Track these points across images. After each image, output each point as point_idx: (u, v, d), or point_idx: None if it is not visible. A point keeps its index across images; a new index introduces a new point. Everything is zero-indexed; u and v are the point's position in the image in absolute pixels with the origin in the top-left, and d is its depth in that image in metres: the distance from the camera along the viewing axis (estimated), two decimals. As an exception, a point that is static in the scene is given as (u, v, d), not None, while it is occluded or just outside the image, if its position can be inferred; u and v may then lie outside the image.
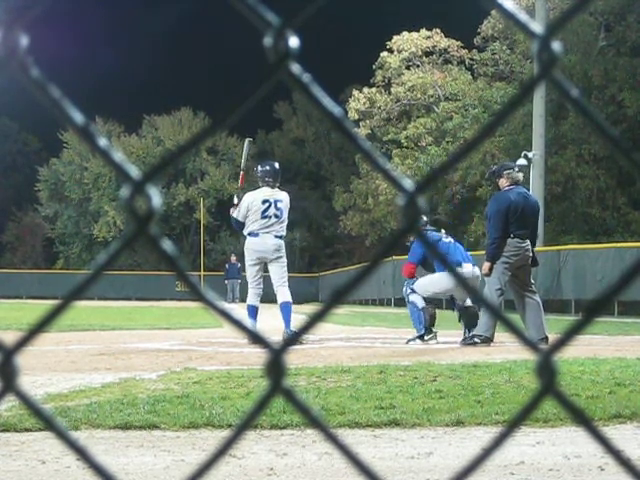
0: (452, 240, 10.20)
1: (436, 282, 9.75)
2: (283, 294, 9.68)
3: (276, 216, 9.74)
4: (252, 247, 9.80)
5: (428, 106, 38.70)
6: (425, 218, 10.36)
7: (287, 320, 9.52)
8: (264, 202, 9.81)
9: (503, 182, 9.39)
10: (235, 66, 70.92)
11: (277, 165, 10.13)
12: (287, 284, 9.76)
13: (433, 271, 9.93)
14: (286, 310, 9.59)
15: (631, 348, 8.98)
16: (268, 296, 10.35)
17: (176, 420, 4.08)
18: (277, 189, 9.90)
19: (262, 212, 9.76)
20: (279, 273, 9.73)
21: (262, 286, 9.87)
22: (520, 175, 9.70)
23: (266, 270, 9.86)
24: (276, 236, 9.74)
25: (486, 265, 9.16)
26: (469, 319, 9.74)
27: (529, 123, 27.65)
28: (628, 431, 4.03)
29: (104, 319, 16.00)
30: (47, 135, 55.08)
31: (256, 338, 0.67)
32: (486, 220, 9.63)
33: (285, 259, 9.83)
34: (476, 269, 9.90)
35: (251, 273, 9.90)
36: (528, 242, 9.33)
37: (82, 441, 0.66)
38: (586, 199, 32.08)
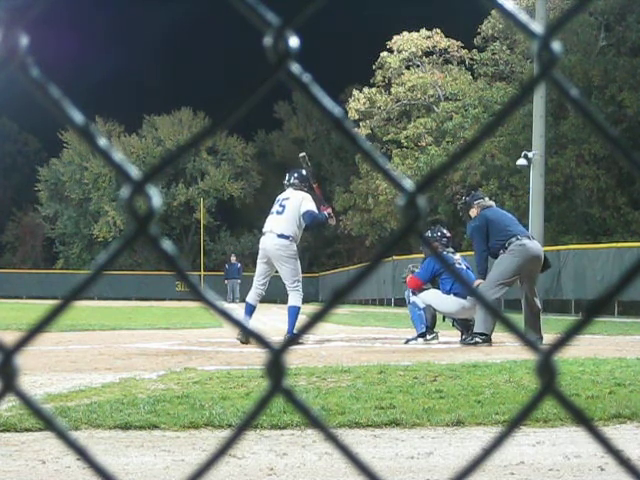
0: (465, 267, 10.13)
1: (440, 302, 9.80)
2: (291, 298, 9.68)
3: (278, 212, 9.75)
4: (260, 245, 9.96)
5: (428, 106, 38.68)
6: (447, 236, 10.45)
7: (290, 324, 9.50)
8: (276, 201, 9.96)
9: (474, 212, 9.68)
10: (235, 66, 70.97)
11: (302, 172, 9.99)
12: (298, 288, 9.65)
13: (437, 287, 9.92)
14: (290, 314, 9.58)
15: (631, 348, 8.99)
16: (270, 297, 10.31)
17: (176, 420, 4.07)
18: (297, 191, 9.82)
19: (270, 210, 9.92)
20: (286, 276, 9.66)
21: (265, 288, 9.84)
22: (491, 203, 9.92)
23: (277, 272, 9.83)
24: (278, 235, 9.61)
25: (478, 282, 9.15)
26: (464, 322, 9.83)
27: (529, 123, 27.60)
28: (628, 431, 4.03)
29: (104, 319, 15.99)
30: (47, 135, 55.17)
31: (257, 338, 0.67)
32: (471, 240, 9.86)
33: (293, 261, 9.66)
34: None
35: (257, 271, 9.98)
36: (526, 241, 9.33)
37: (82, 441, 0.66)
38: (586, 199, 32.08)
